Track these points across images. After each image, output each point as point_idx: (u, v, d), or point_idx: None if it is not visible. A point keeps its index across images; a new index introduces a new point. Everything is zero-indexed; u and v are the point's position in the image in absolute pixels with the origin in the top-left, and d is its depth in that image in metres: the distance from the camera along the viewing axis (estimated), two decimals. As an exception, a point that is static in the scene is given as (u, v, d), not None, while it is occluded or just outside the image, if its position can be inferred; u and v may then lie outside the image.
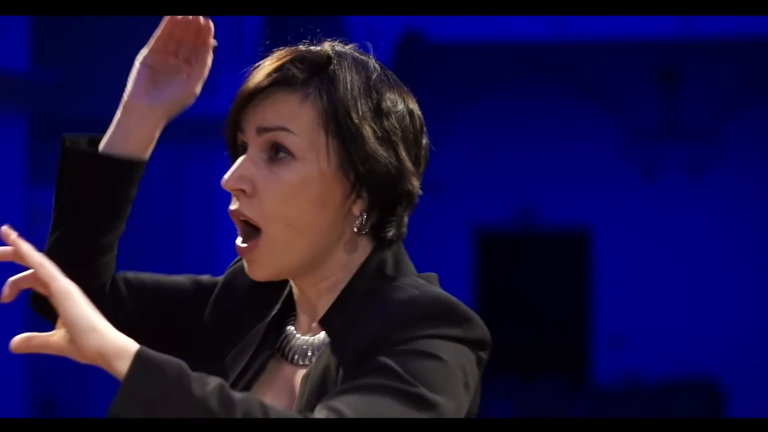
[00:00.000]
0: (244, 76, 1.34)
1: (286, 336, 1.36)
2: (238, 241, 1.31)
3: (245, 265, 1.34)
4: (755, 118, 14.87)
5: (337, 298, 1.31)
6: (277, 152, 1.29)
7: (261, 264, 1.31)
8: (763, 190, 14.91)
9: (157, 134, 1.44)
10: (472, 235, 15.27)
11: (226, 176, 1.30)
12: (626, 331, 14.94)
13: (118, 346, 1.11)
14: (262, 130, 1.30)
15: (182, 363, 1.12)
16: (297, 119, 1.29)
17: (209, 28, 1.39)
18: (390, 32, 12.02)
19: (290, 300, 1.39)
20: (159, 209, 10.37)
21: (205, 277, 1.49)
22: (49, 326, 1.27)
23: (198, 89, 1.42)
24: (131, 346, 1.11)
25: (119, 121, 1.42)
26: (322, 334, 1.32)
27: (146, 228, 10.29)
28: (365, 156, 1.29)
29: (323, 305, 1.33)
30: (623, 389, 14.17)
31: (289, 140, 1.29)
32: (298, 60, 1.31)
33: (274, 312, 1.38)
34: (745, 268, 14.83)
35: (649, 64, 14.52)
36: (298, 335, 1.35)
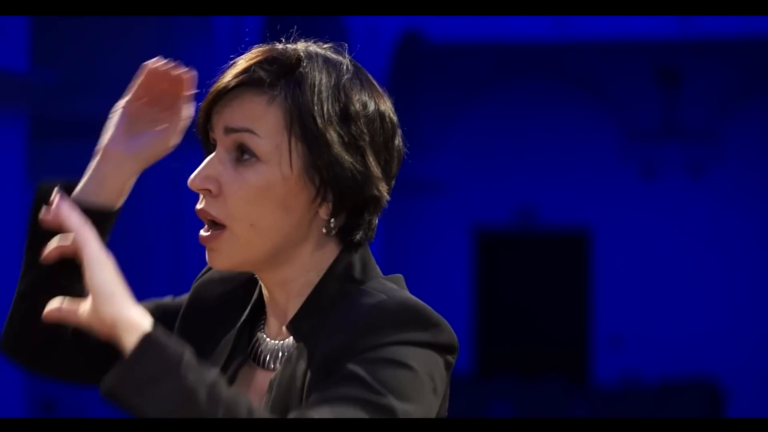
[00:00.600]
0: (217, 74, 1.34)
1: (257, 340, 1.36)
2: (202, 231, 1.31)
3: (207, 254, 1.33)
4: (755, 118, 14.87)
5: (304, 302, 1.31)
6: (242, 153, 1.29)
7: (221, 253, 1.31)
8: (763, 190, 14.91)
9: (132, 183, 1.42)
10: (472, 235, 15.27)
11: (193, 176, 1.30)
12: (626, 331, 14.93)
13: (133, 320, 1.11)
14: (229, 131, 1.29)
15: (189, 350, 1.12)
16: (263, 121, 1.28)
17: (188, 78, 1.35)
18: (390, 32, 12.02)
19: (260, 305, 1.38)
20: (159, 209, 10.36)
21: (167, 299, 1.48)
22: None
23: (174, 141, 1.40)
24: (144, 323, 1.11)
25: (94, 167, 1.39)
26: (292, 338, 1.32)
27: (146, 228, 10.28)
28: (329, 161, 1.28)
29: (292, 308, 1.32)
30: (623, 389, 14.17)
31: (254, 142, 1.28)
32: (268, 61, 1.30)
33: (243, 317, 1.38)
34: (745, 268, 14.83)
35: (649, 64, 14.52)
36: (268, 339, 1.35)
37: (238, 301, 1.40)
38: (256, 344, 1.36)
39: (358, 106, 1.30)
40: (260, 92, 1.29)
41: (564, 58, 14.57)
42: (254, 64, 1.30)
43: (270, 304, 1.36)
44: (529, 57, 14.55)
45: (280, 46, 1.33)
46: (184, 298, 1.45)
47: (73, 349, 1.42)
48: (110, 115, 1.39)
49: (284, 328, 1.33)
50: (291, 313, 1.32)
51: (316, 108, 1.28)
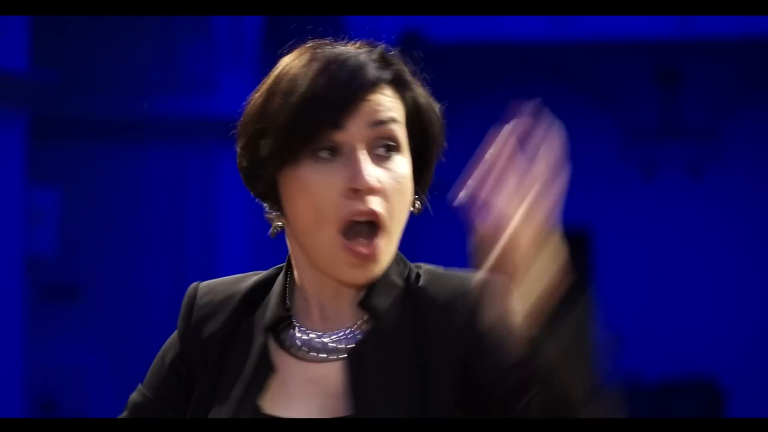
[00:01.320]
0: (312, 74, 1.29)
1: (294, 337, 1.33)
2: (360, 244, 1.26)
3: (362, 269, 1.27)
4: (755, 118, 14.87)
5: (375, 283, 1.30)
6: (387, 147, 1.28)
7: (379, 264, 1.28)
8: (763, 190, 14.91)
9: None
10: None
11: (366, 175, 1.25)
12: (626, 331, 14.94)
13: None
14: (376, 123, 1.27)
15: None
16: (398, 112, 1.30)
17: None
18: (390, 32, 12.01)
19: (278, 310, 1.35)
20: (159, 209, 10.35)
21: (159, 361, 1.42)
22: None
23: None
24: None
25: None
26: (345, 325, 1.31)
27: (146, 228, 10.27)
28: (435, 155, 1.35)
29: (347, 294, 1.31)
30: (623, 389, 14.15)
31: (399, 133, 1.29)
32: (380, 56, 1.31)
33: (266, 322, 1.34)
34: (745, 267, 14.83)
35: (649, 64, 14.52)
36: (311, 333, 1.32)
37: (237, 318, 1.36)
38: (295, 340, 1.33)
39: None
40: (384, 85, 1.30)
41: (564, 58, 14.57)
42: (371, 57, 1.30)
43: (310, 300, 1.33)
44: (529, 57, 14.55)
45: (363, 43, 1.34)
46: (170, 346, 1.40)
47: None
48: None
49: (327, 320, 1.31)
50: (345, 300, 1.31)
51: (424, 101, 1.33)
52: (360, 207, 1.25)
